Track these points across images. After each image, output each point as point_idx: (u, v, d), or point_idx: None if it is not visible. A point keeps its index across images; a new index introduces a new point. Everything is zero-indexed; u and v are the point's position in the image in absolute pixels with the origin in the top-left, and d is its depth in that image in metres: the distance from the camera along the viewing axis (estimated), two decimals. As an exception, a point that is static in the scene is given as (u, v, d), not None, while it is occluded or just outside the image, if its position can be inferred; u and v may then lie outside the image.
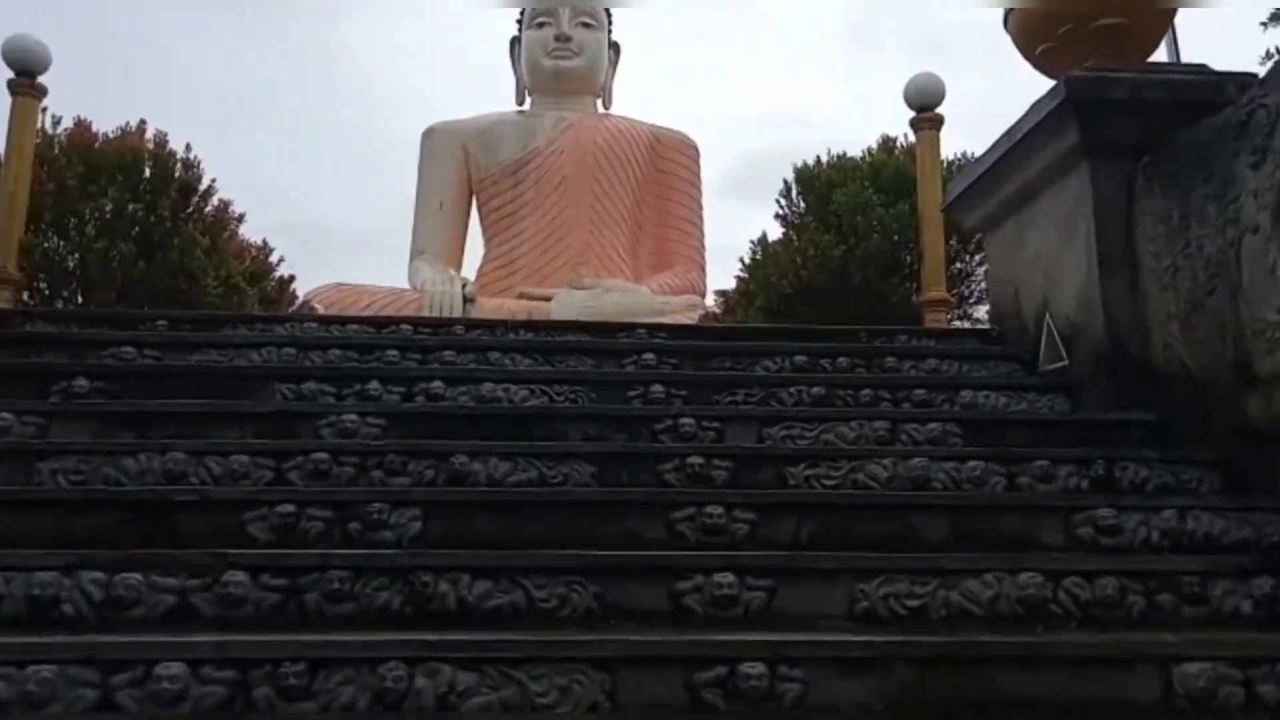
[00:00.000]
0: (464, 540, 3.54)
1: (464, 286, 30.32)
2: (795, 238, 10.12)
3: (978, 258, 10.94)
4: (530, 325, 5.64)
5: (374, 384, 4.75)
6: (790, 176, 10.93)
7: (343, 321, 5.56)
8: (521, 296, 32.43)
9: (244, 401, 4.49)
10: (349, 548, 3.45)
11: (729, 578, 3.21)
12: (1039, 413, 4.83)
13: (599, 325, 5.87)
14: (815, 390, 4.85)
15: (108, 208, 9.81)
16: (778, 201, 11.01)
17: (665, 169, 35.79)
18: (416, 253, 34.08)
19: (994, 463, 4.13)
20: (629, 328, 5.66)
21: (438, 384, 4.77)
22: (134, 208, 9.85)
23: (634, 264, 34.74)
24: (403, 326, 5.55)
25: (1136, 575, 3.34)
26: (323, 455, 4.02)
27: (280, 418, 4.40)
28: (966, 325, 11.19)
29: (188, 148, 10.65)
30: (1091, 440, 4.41)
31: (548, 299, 31.20)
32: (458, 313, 26.54)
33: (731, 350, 5.32)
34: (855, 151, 11.17)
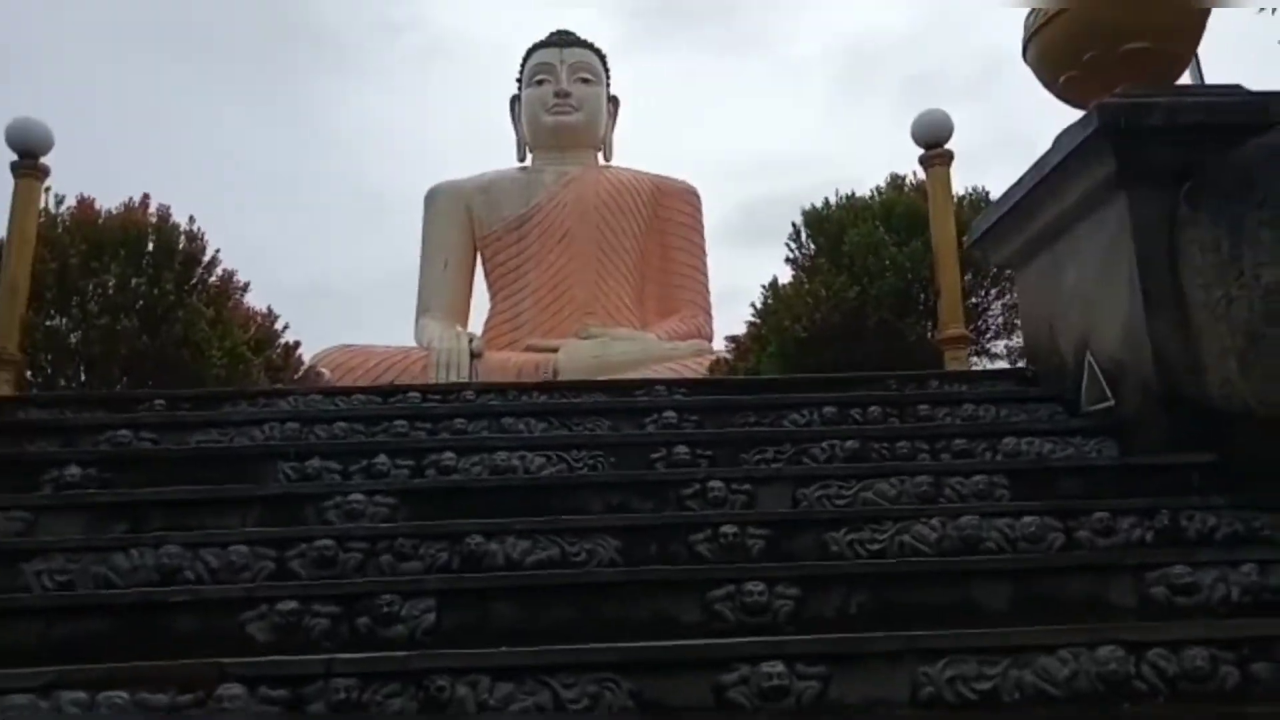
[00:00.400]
0: (483, 631, 3.22)
1: (471, 341, 30.22)
2: (807, 280, 9.84)
3: (994, 291, 10.64)
4: (543, 387, 5.34)
5: (382, 458, 4.45)
6: (799, 219, 10.67)
7: (348, 392, 5.28)
8: (529, 349, 32.30)
9: (245, 485, 4.19)
10: (357, 647, 3.13)
11: (778, 666, 2.88)
12: (1089, 458, 4.49)
13: (615, 384, 5.56)
14: (849, 444, 4.53)
15: (110, 283, 9.56)
16: (787, 245, 10.77)
17: (667, 217, 35.83)
18: (423, 310, 33.94)
19: (1049, 517, 3.79)
20: (646, 384, 5.36)
21: (449, 455, 4.47)
22: (137, 282, 9.62)
23: (640, 312, 34.59)
24: (410, 394, 5.26)
25: (1228, 644, 3.00)
26: (328, 541, 3.71)
27: (283, 501, 4.10)
28: (985, 361, 10.87)
29: (191, 219, 10.45)
30: (1149, 487, 4.08)
31: (554, 350, 31.04)
32: (465, 368, 26.36)
33: (756, 404, 5.01)
34: (863, 191, 10.93)
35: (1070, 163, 4.58)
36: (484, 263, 36.91)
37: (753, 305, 11.63)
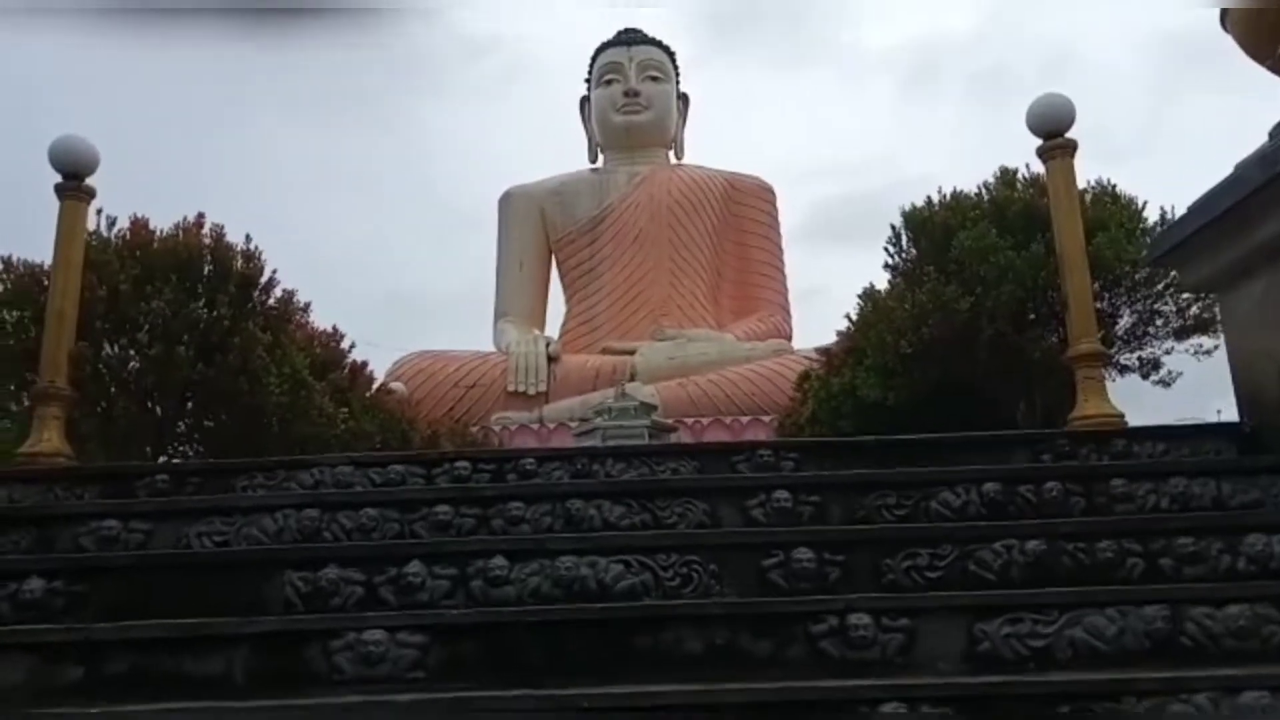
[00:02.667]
0: None
1: (548, 345, 29.16)
2: (911, 290, 8.48)
3: (1123, 297, 9.12)
4: (620, 454, 4.14)
5: (414, 566, 3.31)
6: (897, 221, 9.30)
7: (383, 463, 4.15)
8: (605, 351, 31.05)
9: (233, 618, 3.09)
10: None
11: None
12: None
13: (708, 449, 4.32)
14: (1031, 545, 3.24)
15: (164, 309, 8.66)
16: (886, 249, 9.41)
17: (742, 214, 34.34)
18: (500, 314, 33.03)
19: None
20: (747, 448, 4.12)
21: (499, 562, 3.30)
22: (192, 307, 8.70)
23: (716, 311, 33.18)
24: (458, 464, 4.10)
25: None
26: (333, 704, 2.60)
27: (281, 641, 2.99)
28: (1114, 375, 9.35)
29: (247, 238, 9.50)
30: None
31: (631, 352, 29.79)
32: (543, 371, 25.34)
33: (893, 480, 3.75)
34: (967, 187, 9.51)
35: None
36: (559, 265, 35.95)
37: (847, 317, 10.32)
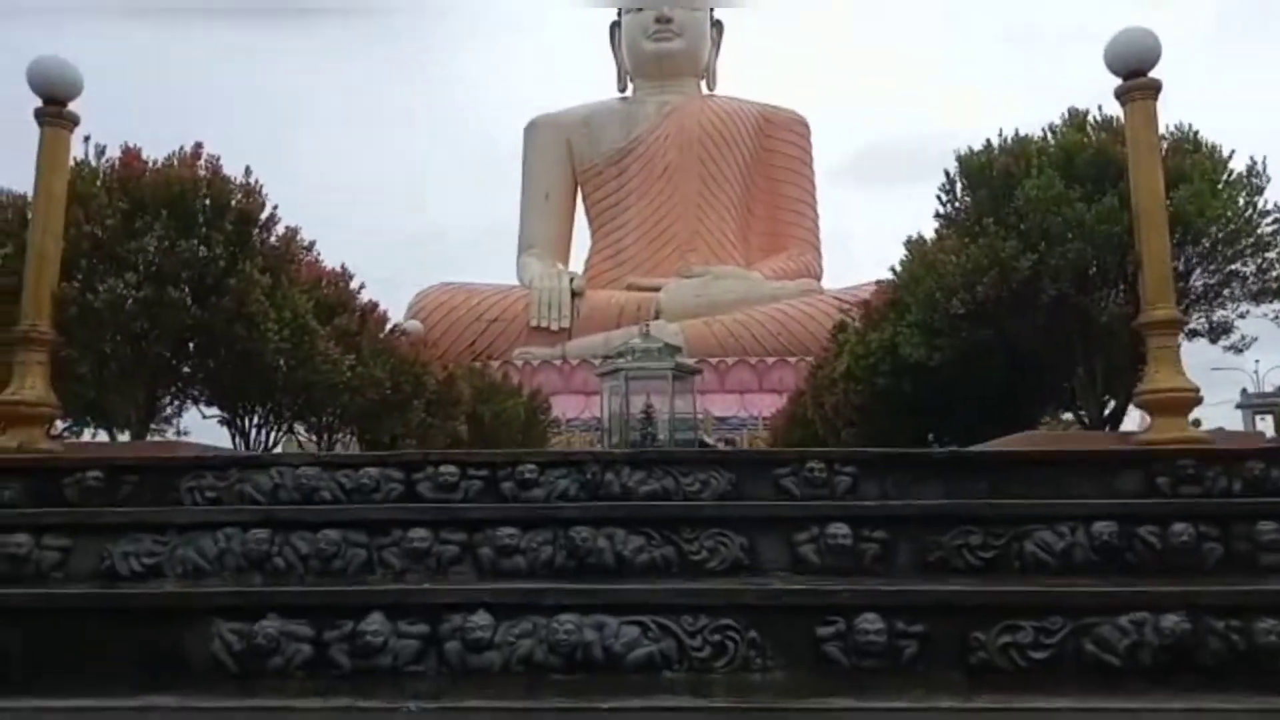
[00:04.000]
0: None
1: (571, 281, 28.39)
2: (965, 244, 7.59)
3: (1195, 255, 8.17)
4: (637, 460, 3.37)
5: (375, 622, 2.58)
6: (952, 166, 8.34)
7: (355, 464, 3.40)
8: (630, 288, 30.24)
9: (127, 702, 2.37)
10: None
11: None
12: None
13: (746, 459, 3.54)
14: (1168, 622, 2.46)
15: (153, 248, 7.90)
16: (938, 197, 8.46)
17: (774, 149, 33.10)
18: (524, 247, 32.27)
19: None
20: (793, 459, 3.34)
21: (481, 620, 2.56)
22: (185, 245, 7.94)
23: (744, 249, 32.19)
24: (443, 468, 3.34)
25: None
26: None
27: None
28: (1184, 341, 8.43)
29: (247, 171, 8.67)
30: None
31: (657, 289, 28.96)
32: (566, 307, 24.66)
33: (978, 515, 2.96)
34: (1031, 129, 8.52)
35: None
36: (584, 198, 34.78)
37: (891, 270, 9.40)
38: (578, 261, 32.01)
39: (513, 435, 16.49)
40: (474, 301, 27.03)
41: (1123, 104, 7.26)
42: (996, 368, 8.71)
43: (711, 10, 34.22)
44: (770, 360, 26.28)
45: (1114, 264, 7.42)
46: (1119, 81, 7.26)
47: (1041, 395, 9.55)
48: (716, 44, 35.10)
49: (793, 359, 25.50)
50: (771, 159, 31.95)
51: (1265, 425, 25.73)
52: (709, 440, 23.64)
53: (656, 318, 26.48)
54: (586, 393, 25.22)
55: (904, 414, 10.35)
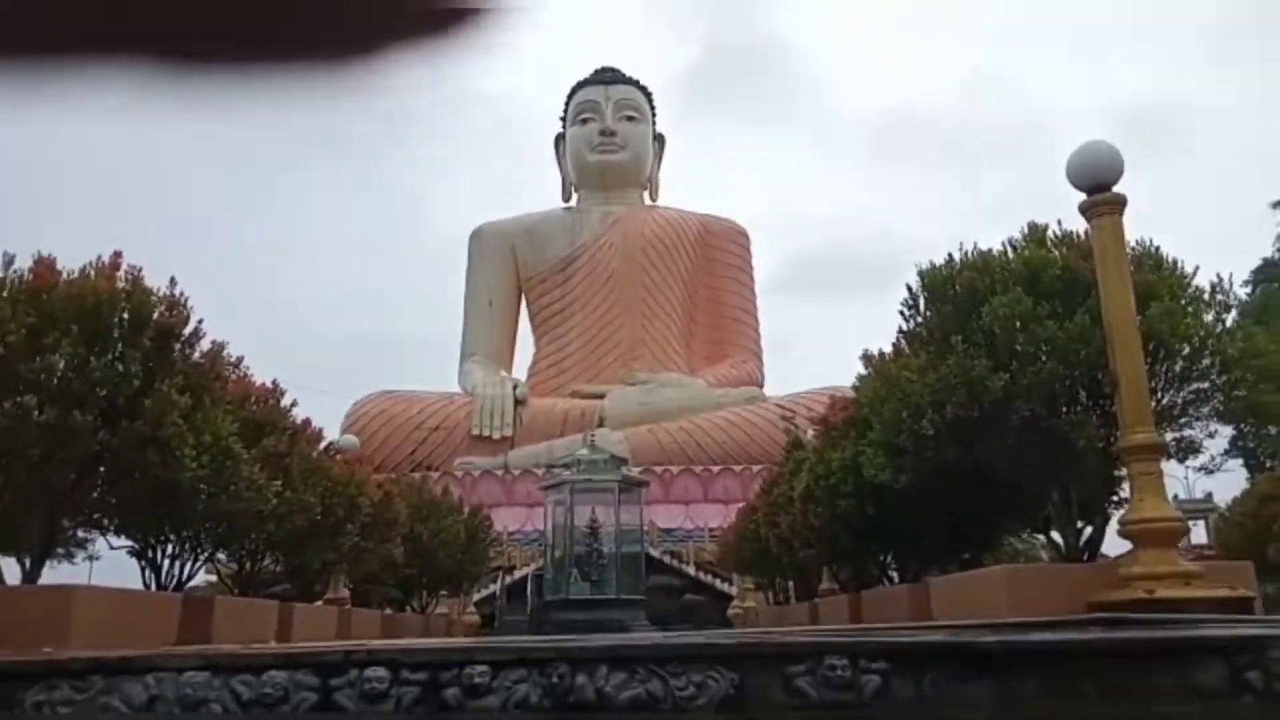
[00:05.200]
0: None
1: (515, 388, 27.72)
2: (933, 363, 7.19)
3: (1165, 374, 7.88)
4: (620, 658, 2.66)
5: None
6: (914, 282, 8.02)
7: (257, 667, 2.67)
8: (574, 395, 29.75)
9: None
10: None
11: None
12: None
13: (753, 654, 2.86)
14: None
15: (60, 366, 7.12)
16: (900, 312, 8.11)
17: (716, 258, 33.41)
18: (467, 354, 31.70)
19: None
20: (809, 653, 2.68)
21: None
22: (95, 364, 7.17)
23: (688, 356, 32.07)
24: (370, 672, 2.62)
25: None
26: None
27: None
28: (1170, 474, 8.08)
29: (171, 282, 7.97)
30: None
31: (601, 397, 28.50)
32: (509, 414, 23.90)
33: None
34: (986, 243, 8.28)
35: None
36: (529, 305, 34.48)
37: (853, 387, 9.00)
38: (521, 369, 31.44)
39: (452, 555, 15.52)
40: (414, 410, 26.15)
41: (1088, 219, 7.04)
42: (963, 488, 8.26)
43: (654, 124, 34.86)
44: (715, 469, 25.71)
45: (1086, 384, 7.08)
46: (1082, 196, 7.08)
47: (1009, 516, 9.11)
48: (659, 156, 35.63)
49: (738, 468, 25.01)
50: (713, 268, 32.10)
51: (1198, 531, 25.80)
52: (654, 553, 22.80)
53: (600, 425, 25.88)
54: (529, 504, 24.29)
55: (865, 536, 9.80)
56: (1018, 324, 7.04)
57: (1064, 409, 7.18)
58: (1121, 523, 6.49)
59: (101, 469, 8.16)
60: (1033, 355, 6.95)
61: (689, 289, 32.08)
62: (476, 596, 21.90)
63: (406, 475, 20.12)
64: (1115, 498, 7.68)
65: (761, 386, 30.36)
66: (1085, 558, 7.37)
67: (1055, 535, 7.84)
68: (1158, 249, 7.70)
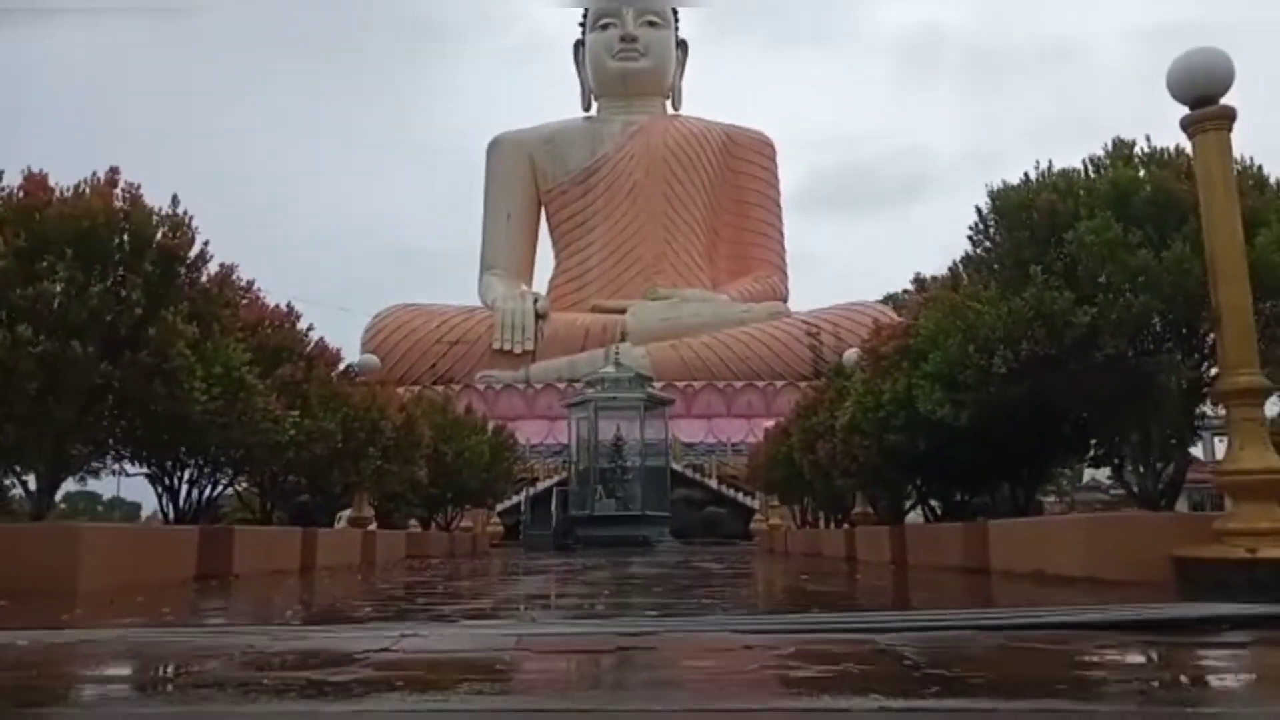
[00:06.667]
0: None
1: (536, 302, 27.00)
2: (1008, 294, 6.39)
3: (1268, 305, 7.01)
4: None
5: None
6: (983, 203, 7.14)
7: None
8: (595, 310, 28.92)
9: None
10: None
11: None
12: None
13: None
14: None
15: (56, 292, 6.42)
16: (969, 237, 7.25)
17: (740, 169, 32.03)
18: (487, 267, 30.78)
19: None
20: None
21: None
22: (92, 291, 6.46)
23: (711, 271, 31.05)
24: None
25: None
26: None
27: None
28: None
29: (174, 201, 7.18)
30: None
31: (622, 312, 27.67)
32: (530, 329, 23.28)
33: None
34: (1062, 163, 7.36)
35: None
36: (548, 217, 33.27)
37: (898, 307, 8.20)
38: (541, 282, 30.52)
39: (476, 474, 15.04)
40: (434, 324, 25.45)
41: (1190, 135, 6.12)
42: (1026, 425, 7.55)
43: (676, 30, 32.99)
44: (739, 384, 25.06)
45: (1180, 319, 6.26)
46: (1184, 110, 6.15)
47: (1070, 452, 8.42)
48: (681, 64, 33.83)
49: (761, 383, 24.31)
50: (737, 180, 30.74)
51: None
52: (677, 468, 22.36)
53: (622, 340, 25.16)
54: (550, 418, 23.78)
55: (916, 471, 9.14)
56: (1107, 252, 6.19)
57: (1151, 346, 6.38)
58: (1218, 473, 5.78)
59: (109, 399, 7.53)
60: (1122, 288, 6.12)
61: (713, 202, 30.85)
62: (500, 507, 21.58)
63: (428, 388, 19.59)
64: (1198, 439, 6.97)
65: (786, 301, 29.44)
66: (1164, 504, 6.68)
67: (1130, 479, 7.12)
68: (1259, 169, 6.76)
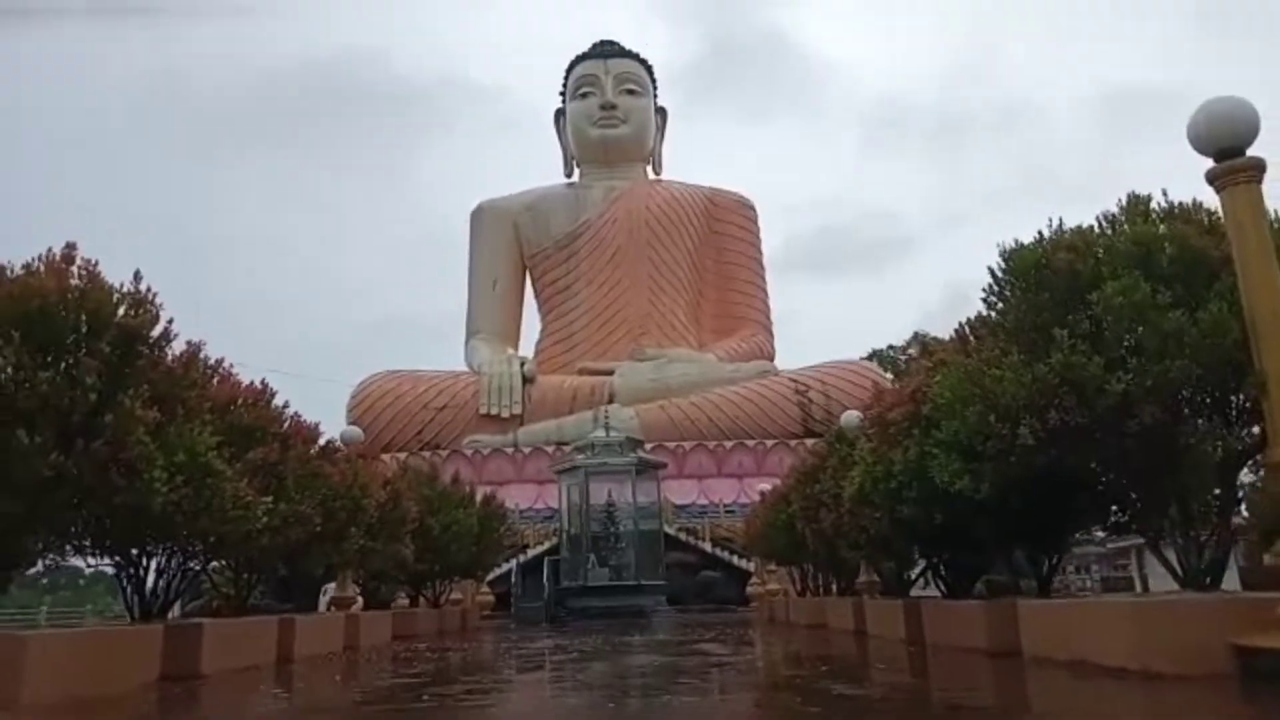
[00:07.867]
0: None
1: (523, 365, 26.32)
2: (1029, 361, 5.85)
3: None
4: None
5: None
6: (995, 263, 6.64)
7: None
8: (582, 372, 28.26)
9: None
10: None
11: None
12: None
13: None
14: None
15: (4, 378, 5.78)
16: (984, 299, 6.73)
17: (723, 230, 31.74)
18: (472, 333, 30.19)
19: None
20: None
21: None
22: (42, 376, 5.81)
23: (697, 331, 30.56)
24: None
25: None
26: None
27: None
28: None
29: (136, 277, 6.58)
30: None
31: (610, 373, 27.05)
32: (517, 392, 22.55)
33: None
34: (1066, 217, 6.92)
35: None
36: (533, 282, 32.77)
37: (892, 369, 7.65)
38: (527, 346, 29.95)
39: (465, 548, 14.26)
40: (420, 389, 24.76)
41: (1219, 190, 5.67)
42: (1049, 495, 6.98)
43: (655, 97, 32.95)
44: (729, 444, 24.40)
45: (1218, 384, 5.73)
46: (1209, 163, 5.72)
47: (1093, 522, 7.83)
48: (661, 130, 33.74)
49: (751, 442, 23.69)
50: (720, 241, 30.45)
51: None
52: (670, 531, 21.58)
53: (611, 402, 24.51)
54: (539, 481, 23.04)
55: (932, 545, 8.52)
56: (1136, 314, 5.67)
57: (1187, 412, 5.84)
58: (1275, 554, 5.20)
59: (65, 490, 6.82)
60: (1156, 352, 5.58)
61: (696, 263, 30.50)
62: (489, 576, 20.69)
63: (415, 454, 18.84)
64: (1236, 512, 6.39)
65: (772, 359, 28.92)
66: (1209, 581, 6.07)
67: (1165, 552, 6.52)
68: (1285, 219, 6.28)
